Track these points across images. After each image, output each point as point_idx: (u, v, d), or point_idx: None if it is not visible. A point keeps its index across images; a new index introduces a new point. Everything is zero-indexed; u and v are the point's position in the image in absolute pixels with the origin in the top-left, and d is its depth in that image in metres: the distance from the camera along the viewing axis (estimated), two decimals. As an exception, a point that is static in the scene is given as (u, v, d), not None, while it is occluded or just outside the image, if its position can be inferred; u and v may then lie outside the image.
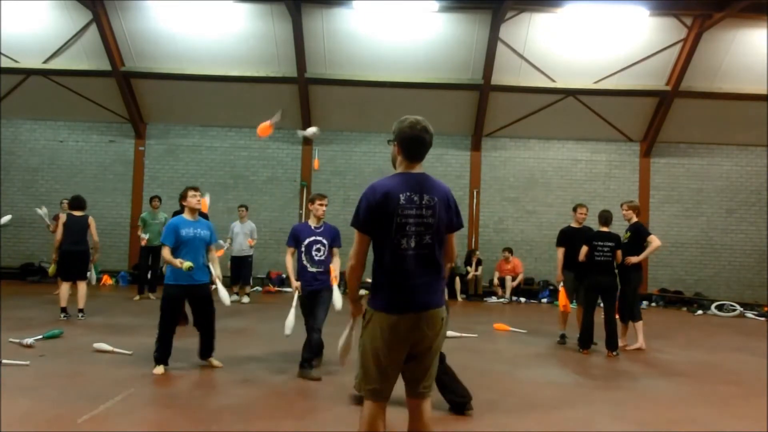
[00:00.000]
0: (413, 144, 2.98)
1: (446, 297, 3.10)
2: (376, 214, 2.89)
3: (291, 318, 5.77)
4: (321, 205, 5.87)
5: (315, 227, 5.85)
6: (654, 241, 7.71)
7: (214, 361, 5.90)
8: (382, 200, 2.88)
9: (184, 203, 5.91)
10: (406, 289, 2.89)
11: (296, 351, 5.80)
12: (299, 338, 5.79)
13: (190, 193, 5.86)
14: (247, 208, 11.68)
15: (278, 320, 9.35)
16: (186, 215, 5.88)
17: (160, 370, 5.56)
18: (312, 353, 5.64)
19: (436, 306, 2.94)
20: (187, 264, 5.46)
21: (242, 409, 4.60)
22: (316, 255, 5.77)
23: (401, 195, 2.89)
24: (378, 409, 2.97)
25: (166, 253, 5.63)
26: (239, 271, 11.46)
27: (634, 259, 7.65)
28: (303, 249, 5.76)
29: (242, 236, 11.31)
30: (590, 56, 12.86)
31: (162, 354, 5.62)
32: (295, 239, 5.82)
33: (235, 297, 11.32)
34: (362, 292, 5.07)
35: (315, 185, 14.07)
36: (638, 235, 7.76)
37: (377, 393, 2.97)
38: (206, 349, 5.88)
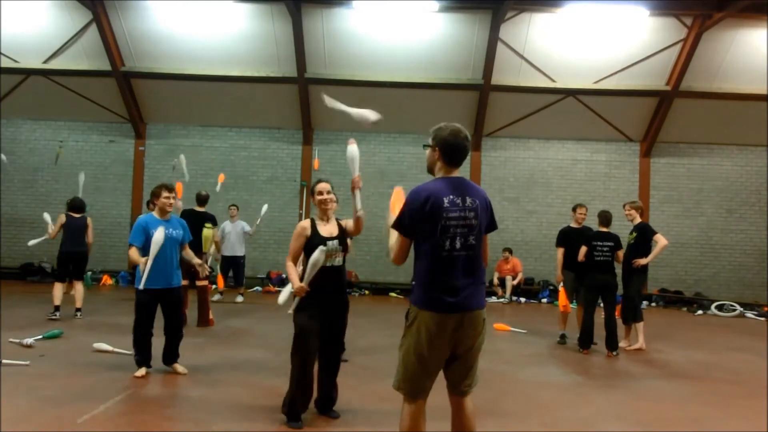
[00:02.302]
0: (456, 151, 3.09)
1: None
2: (420, 217, 2.98)
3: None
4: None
5: None
6: (661, 240, 7.68)
7: (179, 367, 5.59)
8: (426, 204, 2.96)
9: (156, 202, 5.52)
10: (451, 289, 2.97)
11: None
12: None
13: (164, 194, 5.44)
14: (238, 208, 11.60)
15: (277, 320, 9.35)
16: (156, 214, 5.53)
17: (141, 372, 5.37)
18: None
19: (479, 307, 3.04)
20: (144, 260, 5.21)
21: (242, 410, 4.59)
22: None
23: (445, 198, 2.99)
24: (418, 407, 3.04)
25: (133, 253, 5.29)
26: (231, 271, 11.38)
27: (642, 261, 7.61)
28: None
29: (234, 236, 11.19)
30: (590, 56, 12.86)
31: (143, 357, 5.42)
32: None
33: (218, 297, 11.15)
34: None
35: (315, 185, 14.05)
36: (645, 235, 7.72)
37: (419, 391, 3.04)
38: (171, 354, 5.61)
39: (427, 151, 3.16)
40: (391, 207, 3.40)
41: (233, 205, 11.62)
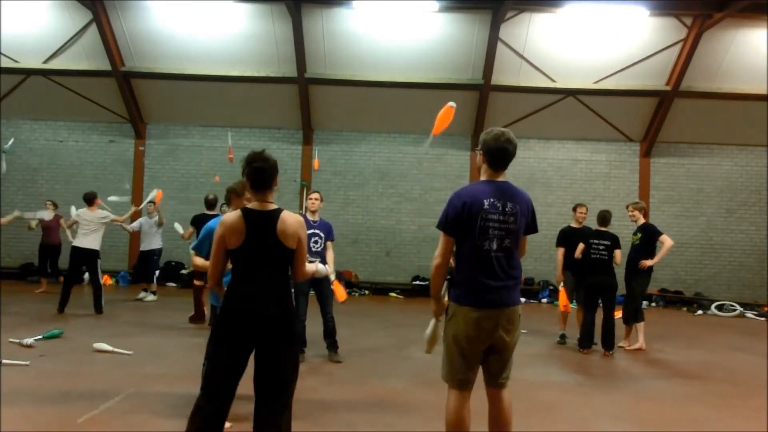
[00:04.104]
0: (498, 155, 3.26)
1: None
2: (460, 218, 3.15)
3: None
4: (311, 200, 6.54)
5: (312, 221, 6.40)
6: (666, 241, 7.64)
7: None
8: (467, 205, 3.14)
9: (247, 203, 3.88)
10: (488, 287, 3.14)
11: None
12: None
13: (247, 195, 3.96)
14: (154, 203, 11.24)
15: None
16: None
17: None
18: (332, 338, 6.41)
19: (515, 304, 3.23)
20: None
21: (241, 410, 4.59)
22: (314, 246, 6.30)
23: (485, 201, 3.16)
24: (464, 397, 3.23)
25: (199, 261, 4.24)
26: (145, 267, 11.07)
27: (648, 263, 7.59)
28: None
29: (150, 230, 11.01)
30: (590, 56, 12.85)
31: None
32: None
33: (143, 294, 10.99)
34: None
35: (315, 185, 14.06)
36: (650, 236, 7.71)
37: (464, 382, 3.22)
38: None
39: (477, 155, 3.36)
40: (438, 119, 3.79)
41: (151, 201, 11.41)
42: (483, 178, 3.30)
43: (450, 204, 3.21)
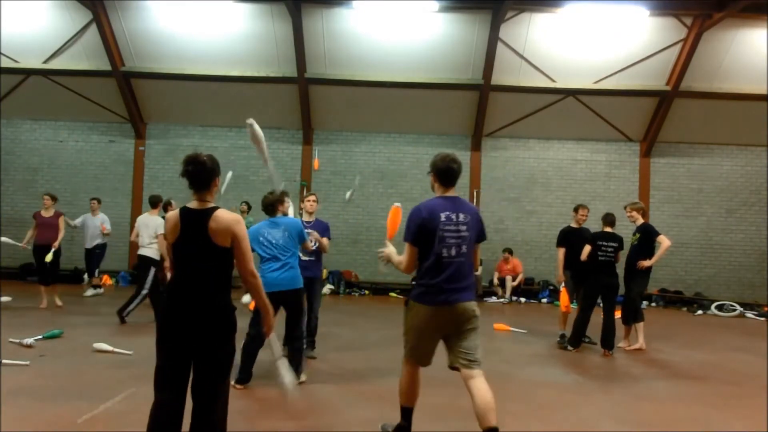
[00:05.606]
0: (445, 173, 3.75)
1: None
2: (423, 229, 3.63)
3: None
4: (308, 201, 6.66)
5: (306, 222, 6.47)
6: (664, 241, 7.64)
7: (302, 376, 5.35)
8: (427, 218, 3.63)
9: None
10: (443, 289, 3.62)
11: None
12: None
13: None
14: (99, 201, 11.90)
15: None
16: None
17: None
18: (312, 336, 6.50)
19: (466, 300, 3.68)
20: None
21: (242, 410, 4.59)
22: None
23: (442, 214, 3.64)
24: (415, 369, 3.83)
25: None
26: (90, 262, 11.72)
27: (646, 263, 7.58)
28: None
29: (93, 229, 11.56)
30: (590, 56, 12.85)
31: (248, 373, 5.20)
32: None
33: (91, 291, 11.45)
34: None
35: (315, 185, 14.07)
36: (649, 236, 7.70)
37: (419, 360, 3.81)
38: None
39: (429, 176, 3.83)
40: (389, 222, 4.28)
41: (94, 198, 11.88)
42: (437, 194, 3.77)
43: (412, 218, 3.66)
